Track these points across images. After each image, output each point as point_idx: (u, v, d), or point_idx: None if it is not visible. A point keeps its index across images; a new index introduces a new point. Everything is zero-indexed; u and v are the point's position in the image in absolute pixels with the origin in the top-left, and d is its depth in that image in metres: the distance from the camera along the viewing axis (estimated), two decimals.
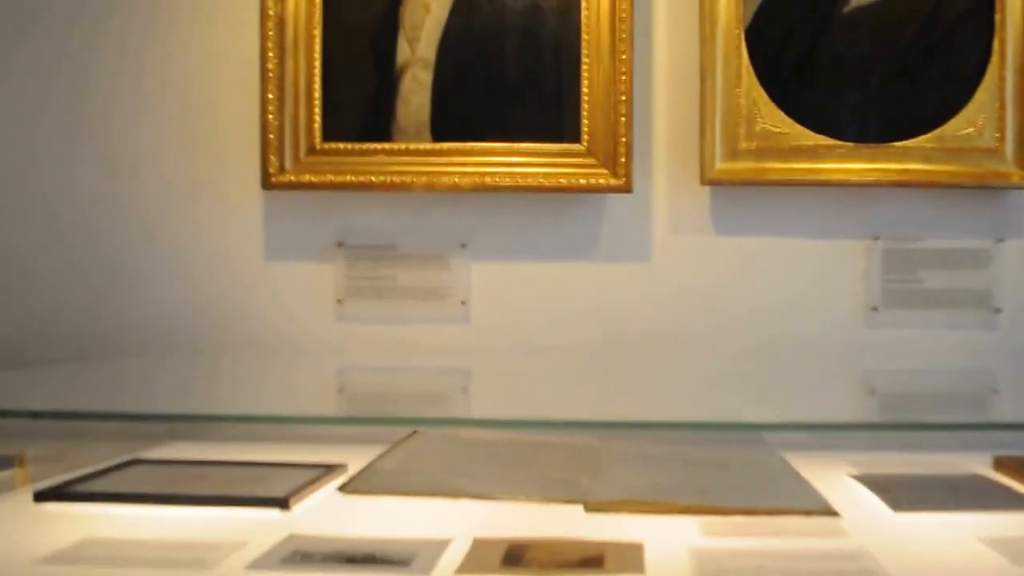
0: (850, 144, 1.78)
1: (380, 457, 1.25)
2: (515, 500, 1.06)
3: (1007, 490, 1.12)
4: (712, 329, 1.86)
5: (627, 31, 1.77)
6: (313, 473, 1.15)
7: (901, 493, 1.07)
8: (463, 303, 1.88)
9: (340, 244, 1.88)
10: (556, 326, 1.87)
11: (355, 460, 1.21)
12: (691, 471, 1.18)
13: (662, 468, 1.19)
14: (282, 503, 1.03)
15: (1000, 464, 1.21)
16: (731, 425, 1.33)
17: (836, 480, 1.16)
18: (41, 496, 1.06)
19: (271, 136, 1.80)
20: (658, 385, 1.68)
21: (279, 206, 1.89)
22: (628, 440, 1.31)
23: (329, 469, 1.17)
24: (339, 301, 1.89)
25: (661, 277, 1.87)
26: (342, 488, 1.12)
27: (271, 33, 1.80)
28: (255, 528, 0.95)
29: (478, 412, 1.62)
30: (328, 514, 1.03)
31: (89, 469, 1.17)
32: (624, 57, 1.77)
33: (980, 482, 1.16)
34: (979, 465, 1.22)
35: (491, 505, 1.05)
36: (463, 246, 1.88)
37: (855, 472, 1.19)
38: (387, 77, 1.83)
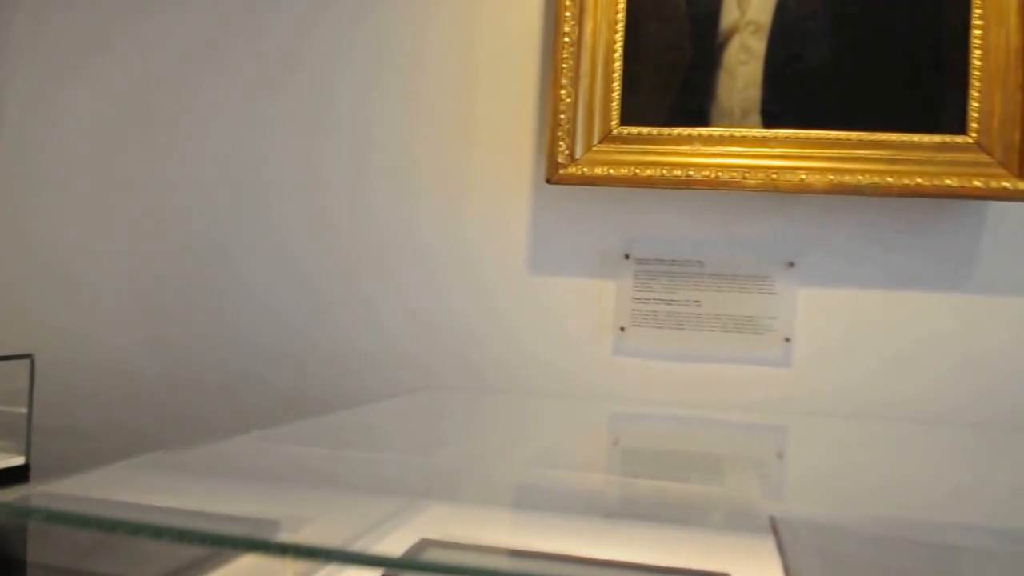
0: None
1: None
2: None
3: None
4: None
5: None
6: None
7: None
8: (786, 340, 1.44)
9: (628, 256, 1.47)
10: (909, 379, 1.41)
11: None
12: None
13: None
14: None
15: None
16: None
17: None
18: None
19: (562, 116, 1.40)
20: None
21: (552, 206, 1.49)
22: None
23: None
24: (621, 329, 1.47)
25: None
26: None
27: None
28: None
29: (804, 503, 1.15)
30: None
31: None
32: None
33: None
34: None
35: None
36: (791, 265, 1.44)
37: None
38: (706, 45, 1.41)
